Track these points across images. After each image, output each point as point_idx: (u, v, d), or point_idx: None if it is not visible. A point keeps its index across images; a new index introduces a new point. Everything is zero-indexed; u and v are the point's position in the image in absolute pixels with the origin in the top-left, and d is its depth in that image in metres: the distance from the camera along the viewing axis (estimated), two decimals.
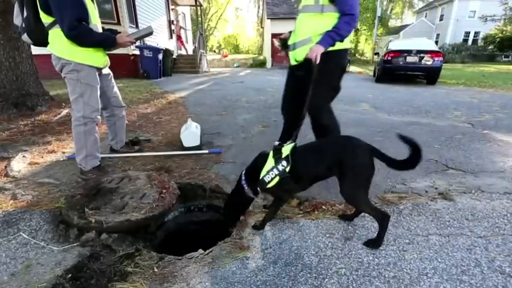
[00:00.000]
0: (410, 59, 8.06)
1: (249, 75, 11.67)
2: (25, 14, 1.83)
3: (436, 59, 7.92)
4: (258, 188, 1.45)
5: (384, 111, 4.60)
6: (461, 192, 1.88)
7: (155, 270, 1.23)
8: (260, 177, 1.39)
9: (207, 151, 2.60)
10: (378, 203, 1.76)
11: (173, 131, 3.31)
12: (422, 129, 3.47)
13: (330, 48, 1.70)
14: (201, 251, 1.35)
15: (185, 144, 2.62)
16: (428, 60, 7.94)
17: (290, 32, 1.98)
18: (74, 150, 2.11)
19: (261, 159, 1.45)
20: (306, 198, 1.79)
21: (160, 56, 9.00)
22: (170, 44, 12.61)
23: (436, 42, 24.34)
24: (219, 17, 35.38)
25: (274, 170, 1.36)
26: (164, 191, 1.73)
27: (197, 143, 2.64)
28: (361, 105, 5.09)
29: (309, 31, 1.75)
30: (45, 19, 1.80)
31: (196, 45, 12.39)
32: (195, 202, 1.93)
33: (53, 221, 1.57)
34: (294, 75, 1.96)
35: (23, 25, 1.87)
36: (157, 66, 8.93)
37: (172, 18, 13.62)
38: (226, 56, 23.11)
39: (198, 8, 14.59)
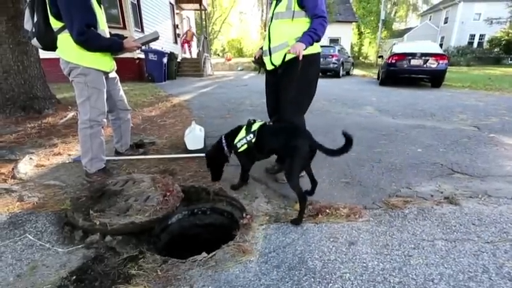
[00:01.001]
0: (414, 62, 8.02)
1: (253, 78, 11.71)
2: (35, 19, 1.87)
3: (441, 62, 7.87)
4: (232, 151, 1.85)
5: (388, 114, 4.57)
6: (468, 197, 1.85)
7: (159, 273, 1.23)
8: (234, 142, 1.81)
9: None
10: (383, 207, 1.75)
11: (178, 133, 3.33)
12: (427, 132, 3.45)
13: (311, 51, 1.80)
14: (204, 254, 1.35)
15: (189, 147, 2.63)
16: (432, 63, 7.90)
17: (261, 49, 2.08)
18: (80, 152, 2.13)
19: (238, 129, 1.86)
20: (310, 202, 1.78)
21: (165, 60, 9.10)
22: (175, 48, 12.73)
23: (441, 45, 24.15)
24: (223, 21, 35.67)
25: (244, 139, 1.78)
26: (168, 193, 1.73)
27: (201, 145, 2.65)
28: (365, 108, 5.07)
29: (284, 36, 1.82)
30: (55, 24, 1.84)
31: (200, 49, 12.49)
32: (199, 205, 1.94)
33: (59, 223, 1.59)
34: (272, 80, 2.04)
35: (33, 30, 1.91)
36: (162, 69, 9.03)
37: (177, 22, 13.78)
38: (230, 60, 23.22)
39: (203, 12, 14.74)
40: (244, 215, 1.66)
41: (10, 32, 3.47)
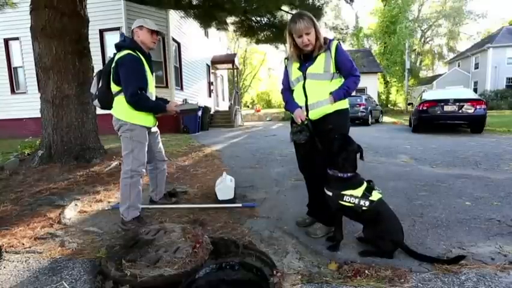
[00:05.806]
0: (447, 108, 7.82)
1: (281, 128, 12.06)
2: (100, 84, 2.28)
3: (478, 107, 7.57)
4: (331, 191, 1.71)
5: (426, 163, 4.30)
6: None
7: None
8: (342, 192, 1.66)
9: (240, 205, 2.60)
10: (432, 270, 1.53)
11: (209, 183, 3.41)
12: (474, 183, 3.13)
13: (343, 107, 1.90)
14: None
15: (220, 197, 2.66)
16: (469, 109, 7.62)
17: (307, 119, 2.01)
18: (119, 200, 2.27)
19: (359, 181, 1.70)
20: (345, 260, 1.64)
21: (200, 113, 9.91)
22: (209, 101, 13.93)
23: (475, 90, 23.35)
24: (253, 77, 38.88)
25: (356, 200, 1.64)
26: (197, 245, 1.72)
27: (231, 196, 2.67)
28: (399, 157, 4.84)
29: (323, 94, 1.88)
30: (114, 88, 2.21)
31: (232, 102, 13.51)
32: (227, 259, 1.87)
33: (92, 271, 1.62)
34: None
35: (96, 93, 2.31)
36: (196, 121, 9.77)
37: (212, 79, 15.35)
38: (259, 111, 24.51)
39: (235, 70, 16.35)
40: (274, 272, 1.55)
41: (77, 95, 4.16)
